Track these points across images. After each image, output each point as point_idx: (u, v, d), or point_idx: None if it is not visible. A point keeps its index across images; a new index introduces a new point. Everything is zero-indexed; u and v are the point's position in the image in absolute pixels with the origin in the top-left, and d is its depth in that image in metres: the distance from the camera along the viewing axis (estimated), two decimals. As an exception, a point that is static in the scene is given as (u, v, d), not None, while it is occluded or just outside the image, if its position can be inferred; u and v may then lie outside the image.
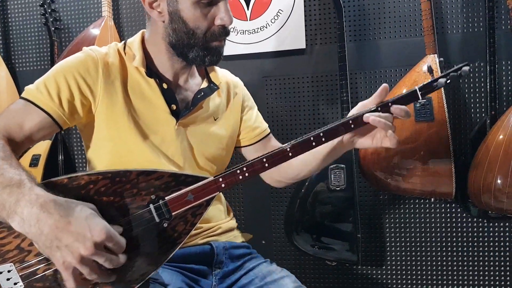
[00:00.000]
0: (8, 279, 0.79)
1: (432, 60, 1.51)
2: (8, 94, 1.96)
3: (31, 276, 0.80)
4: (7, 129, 0.91)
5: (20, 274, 0.79)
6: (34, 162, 1.83)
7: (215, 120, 1.13)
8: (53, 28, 1.91)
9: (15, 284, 0.80)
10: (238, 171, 0.87)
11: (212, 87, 1.12)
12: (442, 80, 0.89)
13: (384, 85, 0.92)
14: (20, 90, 2.01)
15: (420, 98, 0.90)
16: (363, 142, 0.96)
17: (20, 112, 0.94)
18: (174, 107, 1.05)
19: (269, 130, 1.26)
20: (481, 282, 1.71)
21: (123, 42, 1.08)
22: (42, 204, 0.71)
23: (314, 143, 0.90)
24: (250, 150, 1.23)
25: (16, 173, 0.77)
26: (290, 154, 0.89)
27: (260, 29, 1.80)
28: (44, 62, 2.02)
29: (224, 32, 1.01)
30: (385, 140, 0.92)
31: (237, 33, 1.81)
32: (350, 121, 0.91)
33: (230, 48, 1.79)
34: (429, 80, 0.91)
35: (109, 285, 0.80)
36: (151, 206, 0.84)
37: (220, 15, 0.98)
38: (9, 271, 0.79)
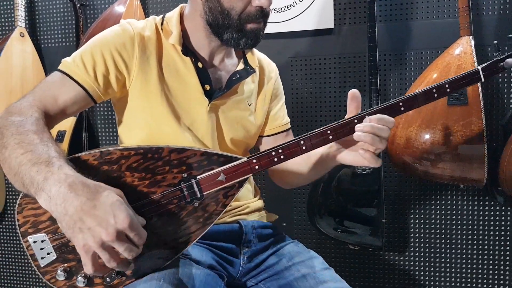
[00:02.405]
0: (41, 249, 0.80)
1: (466, 42, 1.46)
2: (33, 70, 1.97)
3: (63, 248, 0.80)
4: (43, 100, 0.90)
5: (53, 244, 0.80)
6: (59, 138, 1.85)
7: (249, 106, 1.11)
8: (78, 5, 1.91)
9: (48, 254, 0.80)
10: (274, 153, 0.85)
11: (249, 70, 1.09)
12: (510, 60, 0.80)
13: (352, 91, 0.88)
14: (45, 66, 2.03)
15: (483, 80, 0.82)
16: (343, 157, 0.92)
17: (56, 84, 0.94)
18: (207, 87, 1.03)
19: (289, 126, 1.23)
20: (507, 272, 1.68)
21: (161, 16, 1.06)
22: (70, 184, 0.70)
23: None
24: (264, 141, 1.20)
25: (44, 150, 0.76)
26: (331, 137, 0.86)
27: (287, 7, 1.76)
28: (70, 39, 2.02)
29: (262, 14, 0.98)
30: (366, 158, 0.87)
31: (263, 11, 1.77)
32: (402, 104, 0.86)
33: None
34: (494, 59, 0.81)
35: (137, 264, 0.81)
36: (183, 184, 0.83)
37: None
38: (42, 241, 0.80)
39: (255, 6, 0.96)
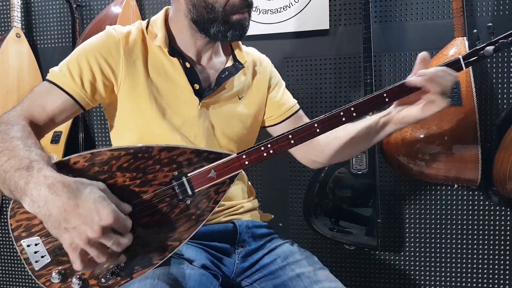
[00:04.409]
0: (35, 252, 0.80)
1: (461, 43, 1.47)
2: (29, 71, 1.97)
3: (57, 250, 0.80)
4: (30, 110, 0.92)
5: (47, 247, 0.80)
6: (55, 139, 1.85)
7: (240, 99, 1.10)
8: (75, 5, 1.91)
9: (42, 257, 0.80)
10: (263, 148, 0.85)
11: (237, 66, 1.09)
12: (490, 48, 0.81)
13: (423, 53, 0.87)
14: (41, 67, 2.03)
15: (464, 68, 0.84)
16: (411, 113, 0.89)
17: (43, 94, 0.95)
18: (197, 86, 1.03)
19: (298, 107, 1.20)
20: (502, 271, 1.68)
21: (147, 20, 1.07)
22: (49, 185, 0.70)
23: (344, 119, 0.86)
24: (278, 129, 1.17)
25: (25, 155, 0.76)
26: (318, 130, 0.86)
27: (283, 8, 1.76)
28: (66, 40, 2.02)
29: (246, 3, 0.98)
30: (433, 104, 0.85)
31: (259, 12, 1.78)
32: (385, 94, 0.87)
33: (251, 28, 1.72)
34: (474, 48, 0.82)
35: (131, 261, 0.81)
36: (174, 182, 0.83)
37: None
38: (36, 244, 0.80)
39: None
